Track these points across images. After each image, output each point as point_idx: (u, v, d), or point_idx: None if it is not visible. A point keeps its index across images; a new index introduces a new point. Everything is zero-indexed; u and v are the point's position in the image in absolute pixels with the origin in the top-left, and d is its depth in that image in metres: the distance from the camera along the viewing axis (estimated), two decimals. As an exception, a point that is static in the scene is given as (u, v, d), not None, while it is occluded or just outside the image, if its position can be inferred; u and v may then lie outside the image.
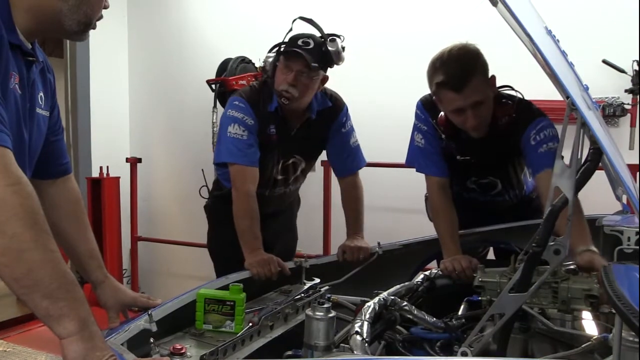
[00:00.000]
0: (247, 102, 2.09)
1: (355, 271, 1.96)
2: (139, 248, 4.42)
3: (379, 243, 2.08)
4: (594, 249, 1.54)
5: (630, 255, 1.49)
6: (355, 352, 1.21)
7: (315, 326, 1.27)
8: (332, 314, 1.29)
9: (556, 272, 1.41)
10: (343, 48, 2.06)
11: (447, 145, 2.00)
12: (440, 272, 1.86)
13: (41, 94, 1.22)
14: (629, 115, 3.08)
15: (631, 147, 3.03)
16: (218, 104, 3.40)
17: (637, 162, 2.68)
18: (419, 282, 1.80)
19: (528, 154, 1.86)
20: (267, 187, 2.21)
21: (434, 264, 2.10)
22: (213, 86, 3.36)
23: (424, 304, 1.72)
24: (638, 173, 2.66)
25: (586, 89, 1.42)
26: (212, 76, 3.39)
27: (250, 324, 1.43)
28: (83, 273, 1.44)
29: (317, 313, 1.27)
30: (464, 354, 1.21)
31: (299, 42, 2.02)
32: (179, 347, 1.26)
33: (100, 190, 4.15)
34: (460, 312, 1.62)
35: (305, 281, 1.86)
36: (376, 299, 1.52)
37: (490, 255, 2.34)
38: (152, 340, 1.25)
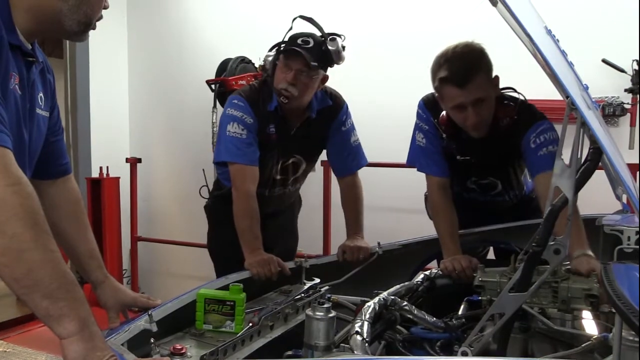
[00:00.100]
0: (247, 101, 2.09)
1: (355, 271, 1.96)
2: (139, 248, 4.42)
3: (379, 243, 2.08)
4: (590, 253, 1.54)
5: (630, 255, 1.49)
6: (355, 352, 1.22)
7: (316, 326, 1.27)
8: (332, 314, 1.29)
9: (556, 271, 1.41)
10: (343, 47, 2.05)
11: (447, 145, 2.00)
12: (440, 272, 1.86)
13: (41, 94, 1.22)
14: (628, 114, 3.08)
15: (631, 147, 3.03)
16: (218, 104, 3.40)
17: (637, 162, 2.68)
18: (419, 282, 1.80)
19: (528, 157, 1.86)
20: (266, 187, 2.20)
21: (434, 263, 2.10)
22: (213, 86, 3.36)
23: (424, 303, 1.72)
24: (638, 172, 2.66)
25: (586, 88, 1.42)
26: (212, 76, 3.38)
27: (251, 324, 1.43)
28: (83, 273, 1.44)
29: (317, 313, 1.27)
30: (464, 354, 1.21)
31: (299, 41, 2.01)
32: (179, 347, 1.27)
33: (100, 190, 4.15)
34: (460, 312, 1.62)
35: (305, 281, 1.86)
36: (376, 299, 1.52)
37: (490, 255, 2.34)
38: (152, 340, 1.25)
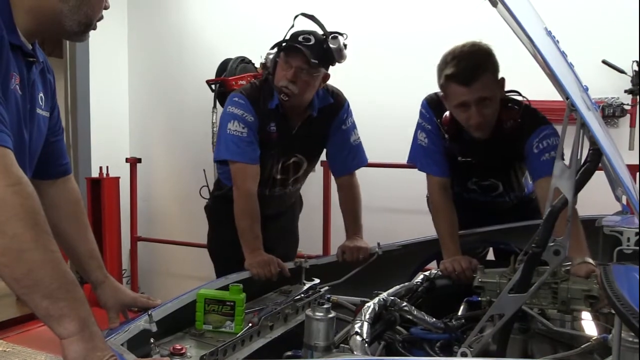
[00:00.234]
0: (247, 99, 2.08)
1: (355, 271, 1.96)
2: (139, 248, 4.42)
3: (378, 243, 2.08)
4: (590, 260, 1.54)
5: (629, 256, 1.49)
6: (355, 352, 1.22)
7: (315, 326, 1.27)
8: (332, 314, 1.29)
9: (556, 272, 1.41)
10: (345, 46, 2.04)
11: (449, 145, 1.99)
12: (439, 273, 1.86)
13: (41, 94, 1.22)
14: (628, 115, 3.08)
15: (631, 148, 3.03)
16: (218, 104, 3.40)
17: (637, 163, 2.68)
18: (418, 283, 1.80)
19: (530, 161, 1.86)
20: (266, 187, 2.19)
21: (433, 264, 2.10)
22: (213, 86, 3.36)
23: (424, 304, 1.73)
24: (638, 173, 2.67)
25: (586, 89, 1.42)
26: (212, 76, 3.38)
27: (250, 325, 1.44)
28: (83, 273, 1.44)
29: (317, 313, 1.28)
30: (464, 355, 1.21)
31: (300, 39, 2.00)
32: (179, 347, 1.27)
33: (100, 190, 4.15)
34: (460, 313, 1.62)
35: (305, 281, 1.86)
36: (376, 300, 1.52)
37: (490, 256, 2.34)
38: (152, 340, 1.25)
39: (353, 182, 2.25)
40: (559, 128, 1.76)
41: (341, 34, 2.04)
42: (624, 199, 1.97)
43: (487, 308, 1.39)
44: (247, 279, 1.77)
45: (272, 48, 2.12)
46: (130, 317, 1.43)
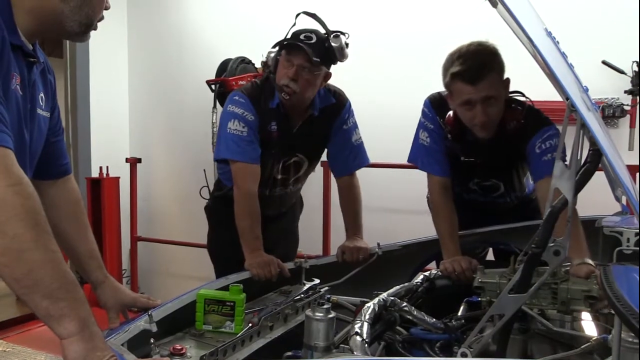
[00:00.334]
0: (248, 98, 2.07)
1: (354, 272, 1.96)
2: (139, 248, 4.42)
3: (378, 244, 2.08)
4: (590, 261, 1.54)
5: (629, 257, 1.49)
6: (355, 352, 1.22)
7: (315, 327, 1.27)
8: (332, 314, 1.29)
9: (555, 273, 1.41)
10: (347, 45, 2.03)
11: (452, 145, 1.99)
12: (439, 273, 1.86)
13: (42, 94, 1.22)
14: (628, 116, 3.08)
15: (631, 148, 3.03)
16: (218, 104, 3.40)
17: (637, 163, 2.68)
18: (418, 283, 1.80)
19: (532, 161, 1.86)
20: (267, 187, 2.18)
21: (433, 264, 2.10)
22: (213, 86, 3.37)
23: (424, 304, 1.73)
24: (637, 174, 2.67)
25: (586, 90, 1.42)
26: (212, 76, 3.39)
27: (250, 325, 1.44)
28: (83, 273, 1.44)
29: (317, 314, 1.27)
30: (464, 355, 1.21)
31: (302, 37, 1.99)
32: (179, 347, 1.27)
33: (100, 190, 4.15)
34: (459, 313, 1.62)
35: (305, 282, 1.86)
36: (376, 300, 1.52)
37: (490, 256, 2.34)
38: (152, 340, 1.25)
39: (354, 183, 2.25)
40: (559, 128, 1.76)
41: (343, 33, 2.03)
42: (623, 199, 1.97)
43: (487, 308, 1.39)
44: (247, 279, 1.77)
45: (274, 47, 2.11)
46: (130, 317, 1.43)
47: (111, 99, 4.57)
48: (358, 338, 1.27)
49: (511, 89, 1.96)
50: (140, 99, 4.68)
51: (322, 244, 3.57)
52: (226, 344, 1.32)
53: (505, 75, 1.86)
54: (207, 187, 2.70)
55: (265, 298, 1.76)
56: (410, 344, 1.49)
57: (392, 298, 1.56)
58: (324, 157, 2.33)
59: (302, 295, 1.72)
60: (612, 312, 0.97)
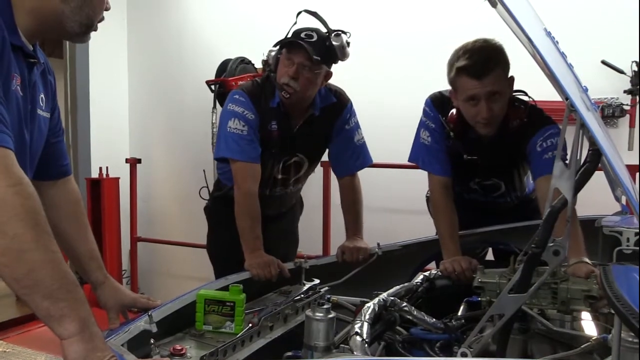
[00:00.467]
0: (248, 96, 2.06)
1: (354, 272, 1.96)
2: (139, 249, 4.42)
3: (378, 244, 2.08)
4: (587, 260, 1.54)
5: (629, 256, 1.49)
6: (355, 352, 1.22)
7: (315, 327, 1.27)
8: (332, 314, 1.29)
9: (555, 272, 1.41)
10: (348, 44, 2.03)
11: (454, 144, 1.99)
12: (439, 273, 1.86)
13: (42, 95, 1.23)
14: (628, 116, 3.09)
15: (630, 148, 3.03)
16: (217, 104, 3.41)
17: (636, 163, 2.68)
18: (418, 283, 1.80)
19: (533, 159, 1.87)
20: (267, 187, 2.18)
21: (433, 264, 2.10)
22: (212, 87, 3.37)
23: (424, 304, 1.73)
24: (637, 174, 2.67)
25: (585, 90, 1.42)
26: (212, 77, 3.40)
27: (250, 325, 1.44)
28: (83, 274, 1.44)
29: (317, 314, 1.28)
30: (464, 355, 1.21)
31: (302, 35, 1.99)
32: (179, 347, 1.27)
33: (100, 190, 4.16)
34: (459, 313, 1.62)
35: (304, 282, 1.86)
36: (376, 300, 1.52)
37: (489, 256, 2.34)
38: (152, 341, 1.25)
39: (355, 183, 2.24)
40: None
41: (344, 32, 2.03)
42: (623, 199, 1.97)
43: (487, 308, 1.39)
44: (247, 279, 1.77)
45: (275, 45, 2.10)
46: (130, 317, 1.43)
47: (111, 100, 4.58)
48: (358, 338, 1.27)
49: (521, 90, 1.97)
50: (140, 99, 4.68)
51: (322, 244, 3.57)
52: (226, 344, 1.32)
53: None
54: (207, 187, 2.70)
55: (265, 298, 1.76)
56: (410, 344, 1.49)
57: (392, 298, 1.56)
58: (324, 157, 2.33)
59: (302, 296, 1.71)
60: (612, 311, 0.97)
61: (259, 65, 3.43)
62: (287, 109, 2.10)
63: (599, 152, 1.20)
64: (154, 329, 1.29)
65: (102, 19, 1.21)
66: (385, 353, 1.46)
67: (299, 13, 2.08)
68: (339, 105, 2.18)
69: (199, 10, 4.35)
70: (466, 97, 1.82)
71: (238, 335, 1.39)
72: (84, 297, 0.97)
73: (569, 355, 1.31)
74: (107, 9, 1.21)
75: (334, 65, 2.09)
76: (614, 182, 1.73)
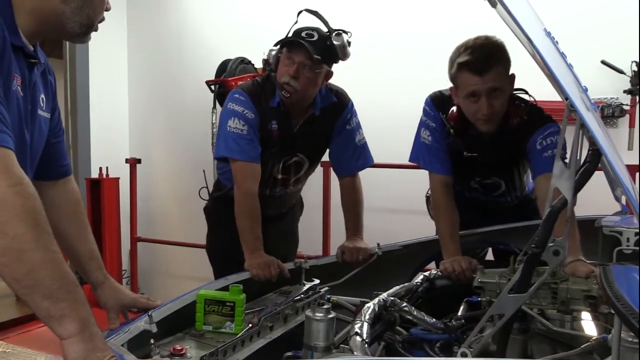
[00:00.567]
0: (248, 95, 2.06)
1: (354, 272, 1.96)
2: (139, 249, 4.43)
3: (378, 244, 2.08)
4: (583, 258, 1.55)
5: (629, 256, 1.49)
6: (355, 353, 1.22)
7: (315, 327, 1.27)
8: (332, 314, 1.29)
9: (555, 272, 1.41)
10: (349, 43, 2.02)
11: (454, 141, 1.99)
12: (439, 273, 1.86)
13: (42, 95, 1.23)
14: (627, 116, 3.09)
15: (630, 148, 3.03)
16: (217, 104, 3.41)
17: (636, 163, 2.68)
18: (418, 283, 1.80)
19: (532, 158, 1.87)
20: (267, 187, 2.18)
21: (433, 264, 2.10)
22: (212, 87, 3.37)
23: (424, 304, 1.73)
24: (637, 174, 2.67)
25: (585, 90, 1.42)
26: (212, 77, 3.40)
27: (250, 325, 1.44)
28: (83, 274, 1.44)
29: (317, 314, 1.28)
30: (464, 355, 1.21)
31: (303, 34, 1.98)
32: (179, 348, 1.27)
33: (100, 191, 4.16)
34: (459, 313, 1.62)
35: (304, 282, 1.86)
36: (376, 300, 1.52)
37: (489, 256, 2.34)
38: (152, 341, 1.25)
39: (356, 183, 2.24)
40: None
41: (345, 32, 2.02)
42: (623, 199, 1.97)
43: (487, 308, 1.39)
44: (247, 279, 1.77)
45: (276, 44, 2.10)
46: (130, 317, 1.43)
47: (111, 100, 4.58)
48: (358, 338, 1.27)
49: (522, 89, 1.97)
50: (140, 99, 4.69)
51: (322, 244, 3.57)
52: (226, 344, 1.32)
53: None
54: (207, 187, 2.69)
55: (265, 298, 1.76)
56: (410, 344, 1.49)
57: (392, 298, 1.56)
58: (324, 157, 2.33)
59: (302, 296, 1.71)
60: (612, 311, 0.97)
61: (259, 65, 3.43)
62: (288, 109, 2.09)
63: (599, 152, 1.20)
64: (154, 329, 1.29)
65: (103, 19, 1.21)
66: (385, 353, 1.46)
67: (300, 12, 2.08)
68: (339, 105, 2.18)
69: (199, 11, 4.35)
70: (467, 93, 1.83)
71: (238, 336, 1.39)
72: (84, 297, 0.98)
73: (569, 355, 1.31)
74: (107, 10, 1.21)
75: (334, 65, 2.08)
76: (613, 182, 1.73)
